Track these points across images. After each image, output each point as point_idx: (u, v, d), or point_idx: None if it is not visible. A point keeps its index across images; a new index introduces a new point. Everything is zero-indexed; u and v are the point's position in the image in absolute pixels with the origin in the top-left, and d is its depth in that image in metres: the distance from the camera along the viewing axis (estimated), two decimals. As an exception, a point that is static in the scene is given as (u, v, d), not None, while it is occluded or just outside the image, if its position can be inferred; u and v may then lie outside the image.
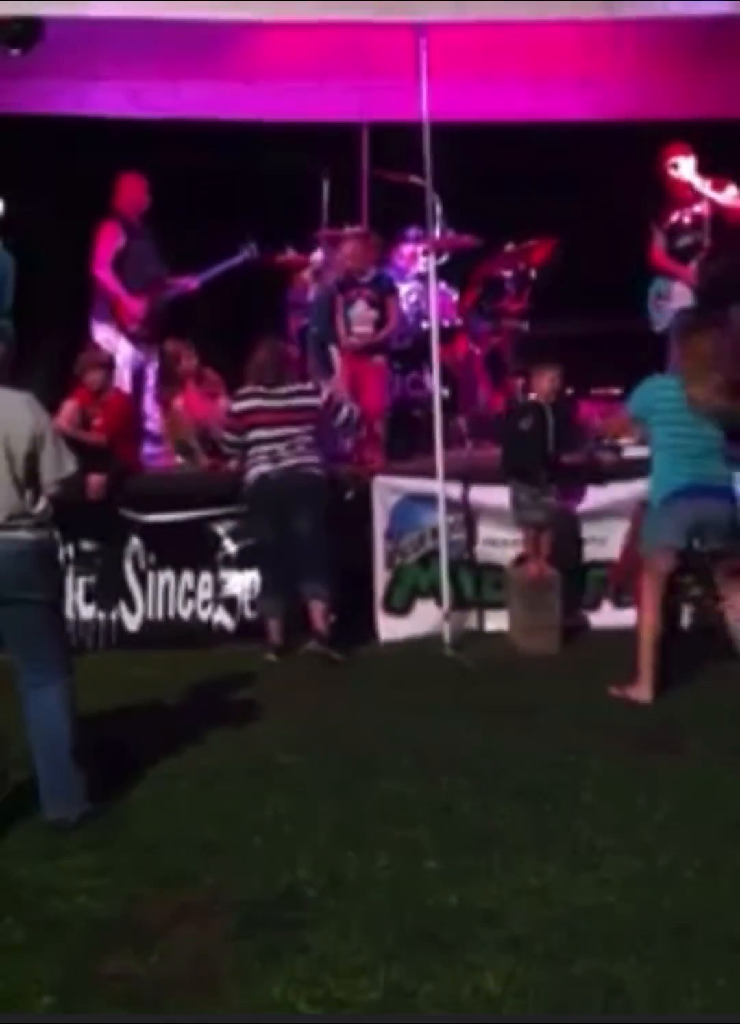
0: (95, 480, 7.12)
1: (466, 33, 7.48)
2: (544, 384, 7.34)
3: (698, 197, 8.14)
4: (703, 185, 8.13)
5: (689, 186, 8.15)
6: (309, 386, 7.28)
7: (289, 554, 6.91)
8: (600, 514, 7.44)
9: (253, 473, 7.01)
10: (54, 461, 4.71)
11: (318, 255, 9.02)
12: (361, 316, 8.32)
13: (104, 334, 8.36)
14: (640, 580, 6.25)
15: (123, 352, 8.24)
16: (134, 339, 8.40)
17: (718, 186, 8.15)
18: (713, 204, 8.11)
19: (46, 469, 4.69)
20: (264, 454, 6.98)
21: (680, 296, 8.19)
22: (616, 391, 8.37)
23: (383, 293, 8.37)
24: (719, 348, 6.11)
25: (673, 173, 8.19)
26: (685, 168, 8.18)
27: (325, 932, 3.88)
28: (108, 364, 7.75)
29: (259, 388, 7.12)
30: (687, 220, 8.21)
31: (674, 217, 8.24)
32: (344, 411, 7.28)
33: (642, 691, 6.07)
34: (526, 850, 4.42)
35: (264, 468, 6.97)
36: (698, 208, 8.18)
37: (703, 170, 8.24)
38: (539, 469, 7.24)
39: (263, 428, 7.00)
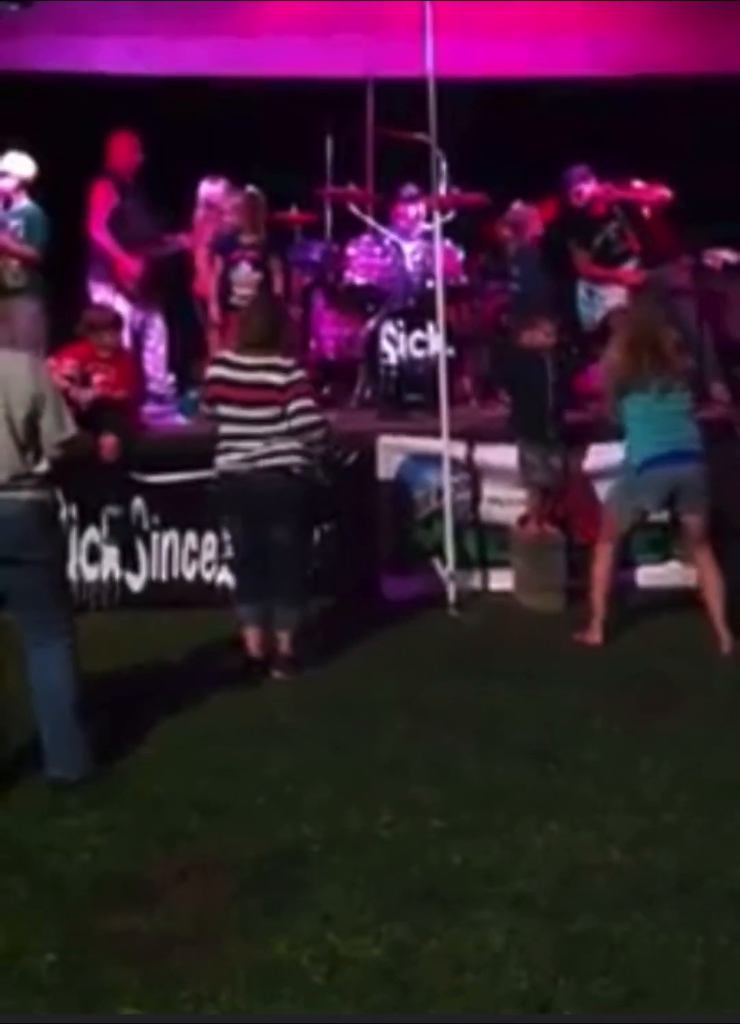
0: (109, 441, 7.08)
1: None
2: (538, 336, 7.30)
3: (612, 206, 8.34)
4: (613, 189, 8.33)
5: (602, 199, 8.39)
6: (280, 360, 5.97)
7: (263, 560, 6.07)
8: (605, 474, 7.41)
9: (220, 464, 6.06)
10: (55, 423, 4.69)
11: (516, 207, 8.85)
12: (244, 278, 8.18)
13: (101, 294, 8.31)
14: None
15: (121, 311, 8.19)
16: (132, 298, 8.36)
17: (623, 184, 8.32)
18: (626, 206, 8.34)
19: (47, 431, 4.68)
20: (230, 440, 5.99)
21: (615, 296, 8.33)
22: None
23: (268, 256, 8.20)
24: (647, 318, 6.56)
25: (580, 201, 8.46)
26: (588, 190, 8.46)
27: (328, 890, 3.89)
28: (115, 323, 7.67)
29: (229, 355, 6.14)
30: (612, 235, 8.43)
31: (599, 237, 8.45)
32: (298, 419, 5.90)
33: (593, 634, 6.38)
34: (529, 808, 4.43)
35: (230, 464, 5.99)
36: (615, 222, 8.38)
37: (700, 132, 8.37)
38: (545, 424, 7.20)
39: (227, 405, 5.98)
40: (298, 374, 5.99)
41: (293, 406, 5.88)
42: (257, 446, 5.90)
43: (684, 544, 6.66)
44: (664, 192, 8.38)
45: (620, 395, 6.46)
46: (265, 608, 6.05)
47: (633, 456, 6.44)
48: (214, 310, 8.36)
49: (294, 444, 5.91)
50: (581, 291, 8.58)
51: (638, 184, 8.40)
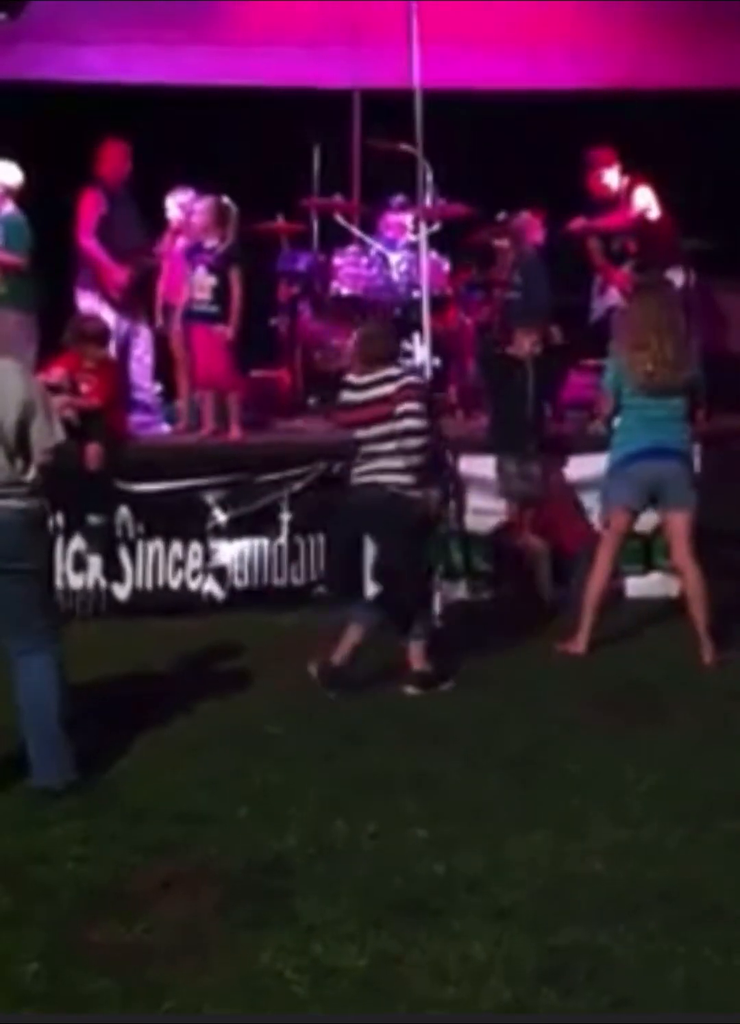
0: (93, 449, 7.08)
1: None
2: (525, 345, 7.31)
3: (621, 201, 8.54)
4: (621, 191, 8.55)
5: (615, 193, 8.57)
6: (393, 370, 5.92)
7: (354, 571, 6.16)
8: (587, 486, 7.43)
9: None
10: (44, 430, 4.69)
11: (520, 218, 8.85)
12: (198, 283, 8.10)
13: (88, 302, 8.32)
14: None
15: (108, 320, 8.19)
16: (118, 307, 8.36)
17: (633, 185, 8.41)
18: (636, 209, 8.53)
19: (36, 438, 4.68)
20: (356, 459, 5.96)
21: (612, 296, 8.56)
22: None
23: (228, 264, 8.08)
24: (656, 318, 6.33)
25: (599, 186, 8.58)
26: (610, 177, 8.56)
27: (313, 900, 3.89)
28: (105, 336, 7.64)
29: (352, 377, 6.05)
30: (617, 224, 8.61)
31: (606, 221, 8.60)
32: (401, 423, 5.78)
33: (577, 644, 6.34)
34: (513, 819, 4.43)
35: (351, 479, 6.00)
36: (627, 211, 8.55)
37: (686, 146, 8.46)
38: (524, 434, 7.21)
39: (356, 427, 5.92)
40: (408, 379, 5.92)
41: (399, 409, 5.76)
42: (369, 464, 5.84)
43: (669, 550, 6.62)
44: (630, 214, 8.51)
45: (618, 395, 6.37)
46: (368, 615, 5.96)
47: (616, 453, 6.41)
48: (167, 319, 8.41)
49: (400, 463, 5.78)
50: (596, 282, 8.78)
51: (646, 194, 8.53)
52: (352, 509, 5.99)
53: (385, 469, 5.80)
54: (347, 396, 6.02)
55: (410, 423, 5.77)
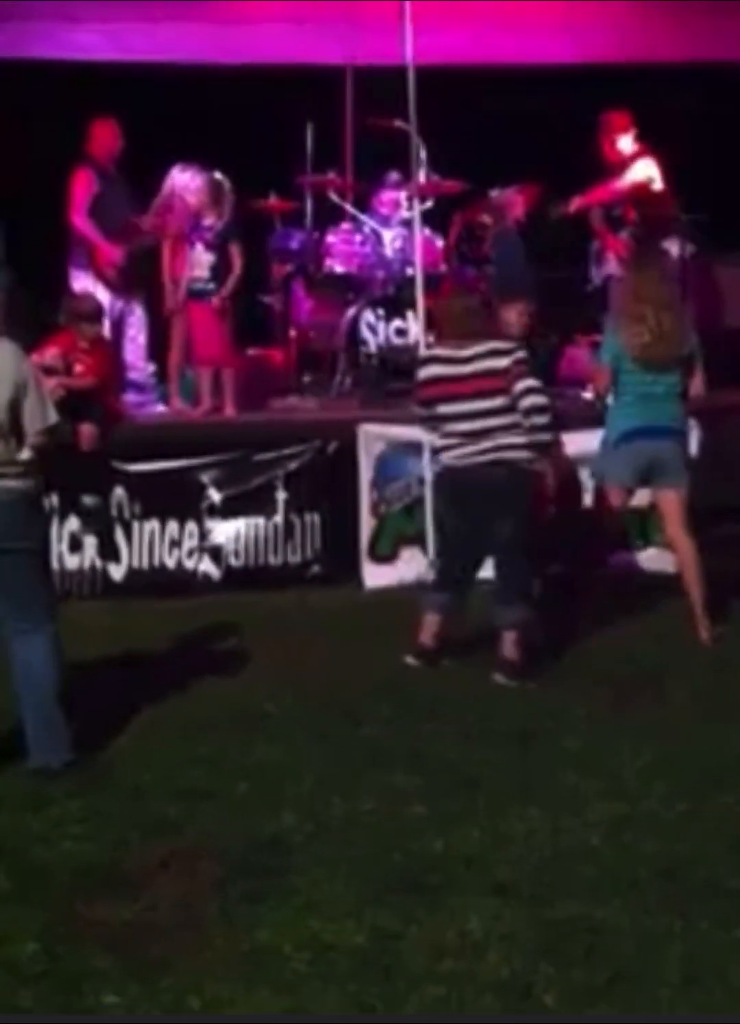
0: (87, 430, 7.06)
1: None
2: (512, 316, 7.26)
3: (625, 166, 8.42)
4: (627, 159, 8.41)
5: (623, 158, 8.42)
6: (501, 344, 5.84)
7: (477, 554, 5.93)
8: (583, 461, 7.42)
9: (441, 460, 5.92)
10: (37, 411, 4.68)
11: (503, 194, 8.81)
12: (196, 260, 8.09)
13: (82, 282, 8.29)
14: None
15: (102, 300, 8.16)
16: (113, 286, 8.33)
17: (637, 155, 8.36)
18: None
19: (29, 419, 4.67)
20: (451, 437, 5.77)
21: (611, 263, 8.47)
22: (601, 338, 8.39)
23: (226, 240, 8.07)
24: (653, 291, 6.27)
25: (611, 148, 8.44)
26: (624, 142, 8.42)
27: (311, 877, 3.90)
28: (98, 313, 7.63)
29: (442, 350, 5.97)
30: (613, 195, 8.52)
31: (602, 193, 8.51)
32: (525, 400, 5.65)
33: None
34: (510, 795, 4.45)
35: (450, 459, 5.80)
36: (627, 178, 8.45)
37: (679, 119, 8.41)
38: None
39: (446, 402, 5.75)
40: (519, 353, 5.79)
41: (519, 386, 5.65)
42: (484, 441, 5.67)
43: (663, 527, 6.63)
44: (626, 184, 8.46)
45: (616, 370, 6.30)
46: (455, 602, 5.91)
47: (611, 430, 6.38)
48: (174, 297, 8.35)
49: (519, 439, 5.68)
50: (593, 250, 8.72)
51: (651, 166, 8.45)
52: (474, 490, 5.72)
53: (505, 446, 5.66)
54: (437, 370, 5.82)
55: (536, 399, 5.66)
